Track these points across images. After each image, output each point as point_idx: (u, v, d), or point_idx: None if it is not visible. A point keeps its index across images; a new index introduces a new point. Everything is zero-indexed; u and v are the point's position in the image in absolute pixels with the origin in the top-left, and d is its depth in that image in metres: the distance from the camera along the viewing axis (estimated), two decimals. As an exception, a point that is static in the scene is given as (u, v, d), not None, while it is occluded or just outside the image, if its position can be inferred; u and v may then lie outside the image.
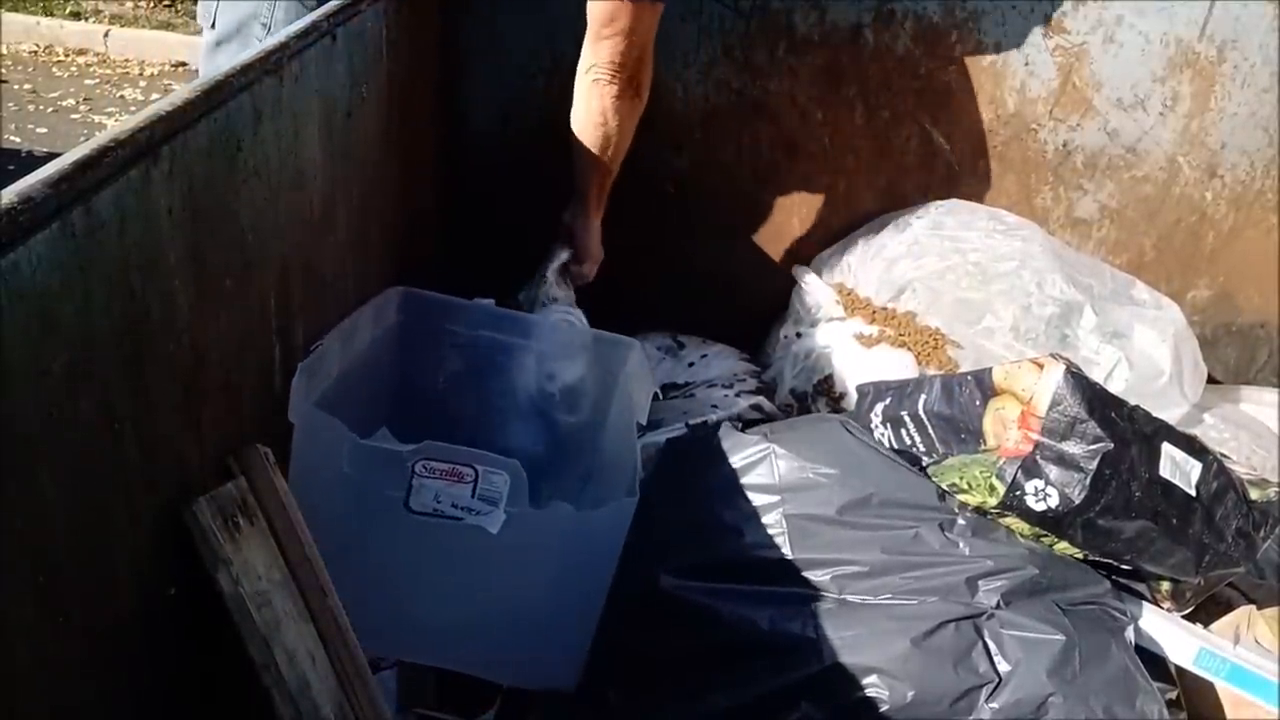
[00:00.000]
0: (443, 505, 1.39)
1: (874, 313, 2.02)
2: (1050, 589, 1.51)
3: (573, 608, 1.51)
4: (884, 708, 1.42)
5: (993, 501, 1.49)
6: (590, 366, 1.86)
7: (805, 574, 1.51)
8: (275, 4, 1.92)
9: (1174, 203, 2.20)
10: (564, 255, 1.99)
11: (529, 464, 1.69)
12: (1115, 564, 1.54)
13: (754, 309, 2.26)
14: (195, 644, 1.19)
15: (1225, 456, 1.70)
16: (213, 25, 1.99)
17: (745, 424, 1.81)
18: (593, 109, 1.85)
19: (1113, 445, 1.45)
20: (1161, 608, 1.60)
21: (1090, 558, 1.54)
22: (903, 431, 1.62)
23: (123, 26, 5.53)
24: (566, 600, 1.50)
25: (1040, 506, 1.46)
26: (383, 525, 1.41)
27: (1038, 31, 2.08)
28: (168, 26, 5.62)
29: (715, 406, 1.92)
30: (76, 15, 5.59)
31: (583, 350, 1.85)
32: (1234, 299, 2.27)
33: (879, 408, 1.67)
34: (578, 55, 1.98)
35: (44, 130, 4.47)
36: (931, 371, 1.88)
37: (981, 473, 1.50)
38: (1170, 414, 1.85)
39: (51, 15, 5.54)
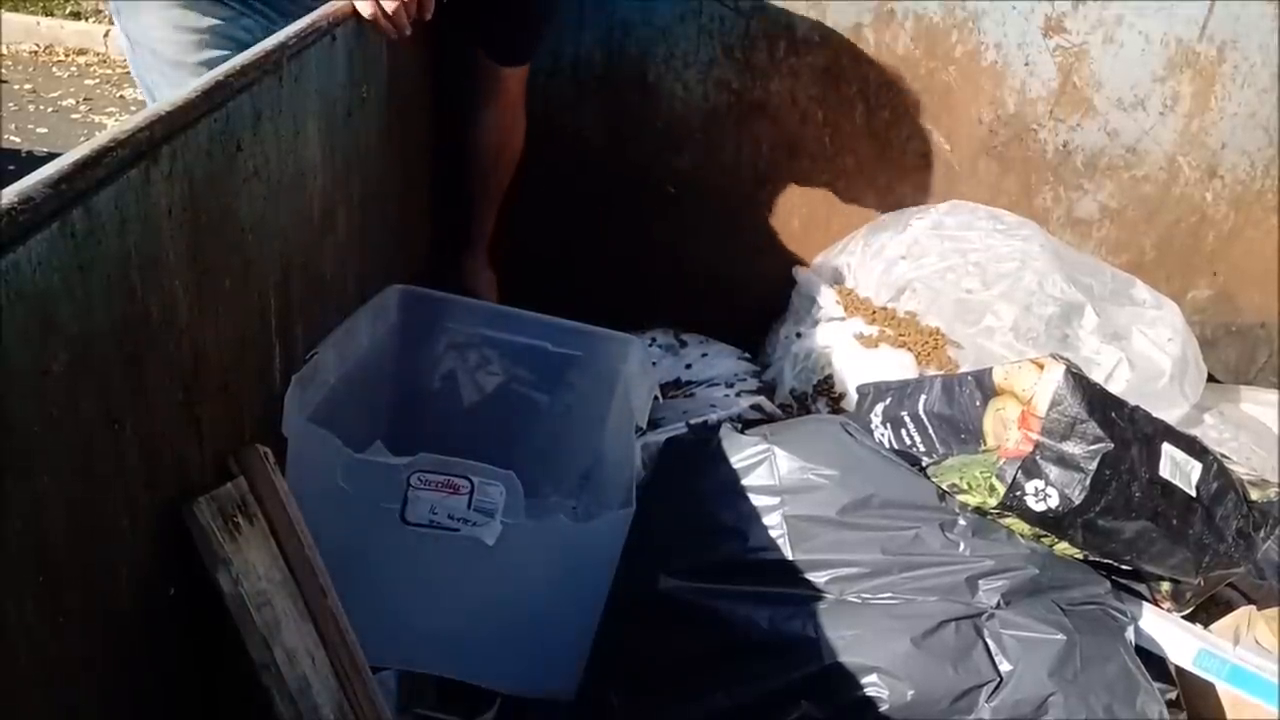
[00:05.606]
0: (439, 517, 1.39)
1: (874, 313, 2.02)
2: (1050, 589, 1.51)
3: (570, 617, 1.51)
4: (884, 707, 1.42)
5: (993, 502, 1.49)
6: None
7: (806, 575, 1.51)
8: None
9: (1174, 203, 2.19)
10: None
11: (528, 459, 1.69)
12: (1115, 564, 1.54)
13: (754, 309, 2.26)
14: (195, 644, 1.19)
15: (1225, 457, 1.70)
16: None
17: (745, 424, 1.81)
18: None
19: (1113, 445, 1.45)
20: (1161, 608, 1.60)
21: (1090, 558, 1.54)
22: (903, 432, 1.62)
23: (123, 26, 5.52)
24: (563, 610, 1.50)
25: (1040, 507, 1.46)
26: (379, 537, 1.41)
27: (1038, 31, 2.08)
28: (168, 26, 5.61)
29: (715, 406, 1.92)
30: (76, 15, 5.57)
31: None
32: (1234, 299, 2.27)
33: (879, 408, 1.67)
34: (577, 55, 1.98)
35: (44, 130, 4.45)
36: (931, 371, 1.88)
37: (981, 473, 1.50)
38: (1170, 414, 1.85)
39: (51, 15, 5.53)
